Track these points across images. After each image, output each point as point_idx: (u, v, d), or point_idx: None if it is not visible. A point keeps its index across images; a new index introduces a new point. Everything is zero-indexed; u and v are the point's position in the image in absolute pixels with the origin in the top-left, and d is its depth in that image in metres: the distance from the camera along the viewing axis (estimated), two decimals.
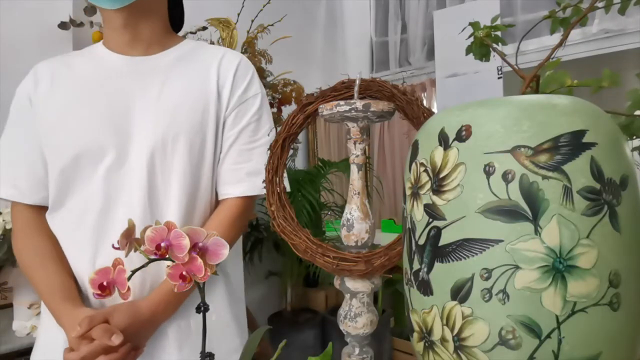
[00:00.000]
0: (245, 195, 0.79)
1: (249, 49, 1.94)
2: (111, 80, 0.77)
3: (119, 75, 0.77)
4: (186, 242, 0.41)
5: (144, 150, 0.73)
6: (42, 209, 0.78)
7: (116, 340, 0.61)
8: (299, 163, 2.80)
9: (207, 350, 0.75)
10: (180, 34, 1.92)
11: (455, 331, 0.34)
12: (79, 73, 0.78)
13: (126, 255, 0.43)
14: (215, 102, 0.79)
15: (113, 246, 0.45)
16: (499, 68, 2.31)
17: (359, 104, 0.53)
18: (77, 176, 0.73)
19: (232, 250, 0.83)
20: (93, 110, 0.74)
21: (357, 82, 0.57)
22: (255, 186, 0.79)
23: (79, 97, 0.76)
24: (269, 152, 0.62)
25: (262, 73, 1.92)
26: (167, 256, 0.42)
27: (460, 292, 0.33)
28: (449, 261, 0.34)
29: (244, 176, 0.79)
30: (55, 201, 0.75)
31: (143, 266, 0.43)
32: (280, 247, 2.33)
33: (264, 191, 0.79)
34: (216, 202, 0.82)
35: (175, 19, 0.89)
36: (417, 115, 0.57)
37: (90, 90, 0.76)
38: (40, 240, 0.76)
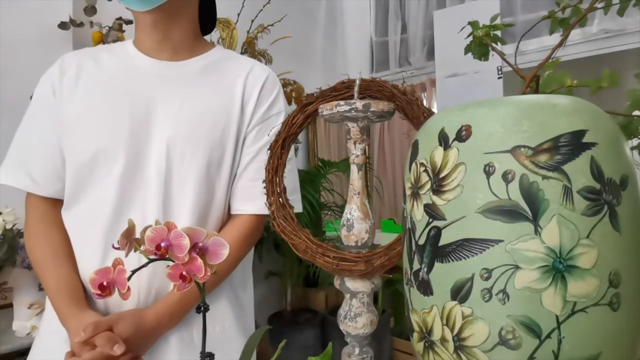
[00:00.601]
0: (259, 213, 0.79)
1: (249, 49, 1.94)
2: (136, 82, 0.76)
3: (145, 78, 0.76)
4: (186, 242, 0.41)
5: (162, 157, 0.73)
6: (57, 202, 0.77)
7: (118, 350, 0.61)
8: (299, 163, 2.80)
9: None
10: None
11: (455, 331, 0.34)
12: (105, 70, 0.77)
13: (126, 255, 0.43)
14: (238, 118, 0.78)
15: (113, 246, 0.45)
16: (499, 68, 2.32)
17: (359, 104, 0.53)
18: (93, 175, 0.73)
19: (241, 265, 0.82)
20: (115, 111, 0.73)
21: (357, 82, 0.57)
22: None
23: (102, 96, 0.75)
24: (269, 152, 0.62)
25: None
26: (167, 256, 0.42)
27: (460, 292, 0.33)
28: (449, 261, 0.34)
29: (258, 194, 0.77)
30: (71, 198, 0.75)
31: (143, 266, 0.43)
32: (280, 247, 2.33)
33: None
34: (228, 216, 0.81)
35: (206, 21, 0.87)
36: (417, 115, 0.57)
37: (114, 90, 0.75)
38: (53, 235, 0.75)
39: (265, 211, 0.77)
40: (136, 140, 0.73)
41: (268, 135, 0.81)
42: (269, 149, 0.62)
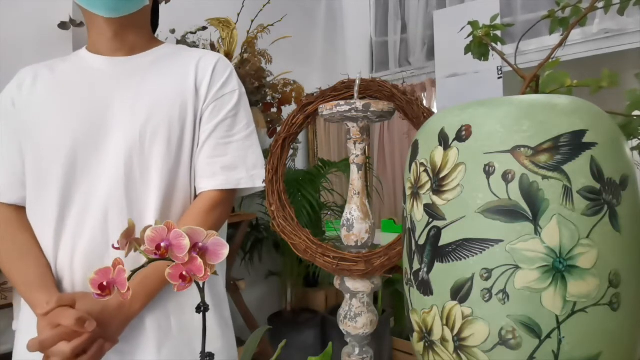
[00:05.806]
0: (220, 188, 0.79)
1: (249, 49, 1.93)
2: (92, 79, 0.79)
3: (100, 75, 0.79)
4: (186, 242, 0.41)
5: (121, 144, 0.74)
6: (21, 208, 0.79)
7: (90, 327, 0.61)
8: (299, 163, 2.80)
9: (186, 351, 0.74)
10: (180, 34, 1.91)
11: (455, 331, 0.34)
12: (61, 74, 0.81)
13: (126, 255, 0.43)
14: (193, 98, 0.80)
15: (113, 246, 0.45)
16: (499, 68, 2.32)
17: (359, 104, 0.53)
18: (54, 171, 0.74)
19: None
20: (72, 107, 0.76)
21: (357, 82, 0.57)
22: (229, 180, 0.80)
23: (59, 96, 0.78)
24: (263, 152, 0.62)
25: (262, 73, 1.92)
26: (167, 256, 0.42)
27: (460, 292, 0.33)
28: (449, 261, 0.34)
29: (218, 170, 0.80)
30: (33, 197, 0.76)
31: (143, 266, 0.43)
32: (280, 247, 2.33)
33: (240, 185, 0.81)
34: (195, 197, 0.82)
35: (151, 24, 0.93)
36: (417, 115, 0.57)
37: (70, 89, 0.78)
38: (19, 236, 0.76)
39: (225, 186, 0.79)
40: (95, 132, 0.75)
41: (244, 130, 0.84)
42: (268, 149, 0.62)
